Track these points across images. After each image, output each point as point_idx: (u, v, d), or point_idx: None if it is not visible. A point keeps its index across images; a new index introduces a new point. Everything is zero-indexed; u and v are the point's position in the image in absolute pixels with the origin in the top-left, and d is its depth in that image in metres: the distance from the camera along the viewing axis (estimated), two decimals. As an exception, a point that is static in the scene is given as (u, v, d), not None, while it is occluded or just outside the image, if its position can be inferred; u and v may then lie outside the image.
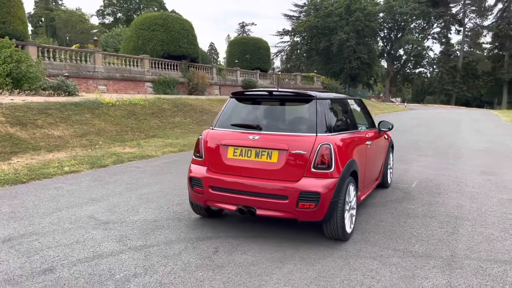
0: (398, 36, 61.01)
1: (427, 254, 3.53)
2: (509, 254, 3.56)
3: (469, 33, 61.81)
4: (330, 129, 3.74)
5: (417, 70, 64.47)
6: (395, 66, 63.80)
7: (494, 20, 58.68)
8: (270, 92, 4.00)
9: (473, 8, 60.21)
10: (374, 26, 55.07)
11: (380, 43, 63.27)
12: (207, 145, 4.01)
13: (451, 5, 60.14)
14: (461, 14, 60.83)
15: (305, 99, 3.87)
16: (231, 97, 4.25)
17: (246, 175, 3.72)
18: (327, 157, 3.51)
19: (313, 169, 3.51)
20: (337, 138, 3.74)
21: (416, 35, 61.89)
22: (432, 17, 59.90)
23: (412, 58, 61.98)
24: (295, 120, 3.94)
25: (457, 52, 61.94)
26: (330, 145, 3.54)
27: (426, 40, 62.58)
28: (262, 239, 3.81)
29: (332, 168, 3.52)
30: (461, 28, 60.94)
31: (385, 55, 63.46)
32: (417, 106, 41.22)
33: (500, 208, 5.01)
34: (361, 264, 3.31)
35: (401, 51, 62.78)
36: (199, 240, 3.79)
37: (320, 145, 3.53)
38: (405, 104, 42.65)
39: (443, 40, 61.46)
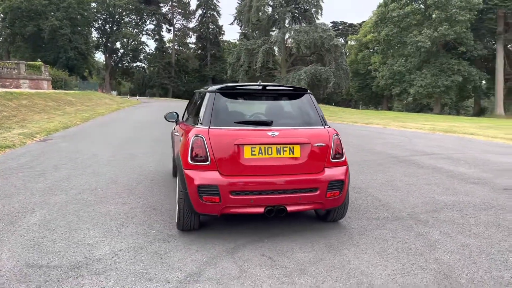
0: (114, 29, 60.71)
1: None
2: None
3: (178, 33, 68.38)
4: (326, 121, 4.06)
5: (135, 64, 66.27)
6: (113, 59, 63.31)
7: (196, 24, 67.14)
8: (264, 87, 3.89)
9: (180, 10, 66.85)
10: (88, 15, 52.82)
11: (96, 34, 61.28)
12: (213, 146, 3.54)
13: (161, 4, 64.70)
14: (170, 15, 66.46)
15: (300, 93, 4.01)
16: (213, 92, 3.84)
17: (269, 173, 3.56)
18: (340, 147, 3.84)
19: (332, 160, 3.77)
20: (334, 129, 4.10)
21: (131, 29, 63.34)
22: (145, 14, 62.74)
23: (130, 52, 63.16)
24: (299, 114, 3.96)
25: (170, 49, 67.46)
26: (339, 136, 3.90)
27: (141, 36, 65.06)
28: (282, 237, 3.76)
29: (344, 157, 3.89)
30: (171, 28, 66.67)
31: (101, 47, 61.94)
32: (147, 100, 43.04)
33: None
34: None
35: (118, 44, 62.81)
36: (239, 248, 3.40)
37: (333, 136, 3.82)
38: (137, 97, 43.48)
39: (157, 37, 65.52)
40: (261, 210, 3.49)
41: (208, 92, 3.87)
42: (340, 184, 3.71)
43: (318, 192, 3.61)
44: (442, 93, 34.80)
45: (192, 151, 3.54)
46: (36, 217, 4.20)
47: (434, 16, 34.79)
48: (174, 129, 5.76)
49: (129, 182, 5.82)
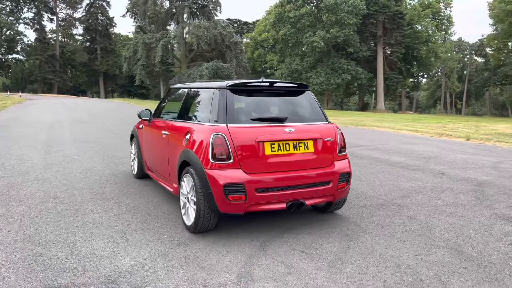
0: (-17, 15, 53.13)
1: None
2: None
3: (62, 23, 62.48)
4: (327, 116, 4.24)
5: (11, 57, 58.77)
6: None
7: (84, 14, 62.12)
8: (271, 83, 3.92)
9: (63, -2, 61.11)
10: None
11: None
12: (236, 144, 3.48)
13: (41, -9, 58.36)
14: (52, 2, 60.38)
15: (302, 90, 4.11)
16: (223, 89, 3.74)
17: (288, 169, 3.63)
18: (343, 141, 4.08)
19: (338, 153, 3.99)
20: None
21: (5, 17, 56.06)
22: (22, 1, 56.12)
23: (4, 43, 55.84)
24: (306, 110, 4.01)
25: (53, 40, 61.32)
26: (341, 130, 4.13)
27: (18, 24, 57.96)
28: (297, 230, 3.86)
29: (346, 150, 4.14)
30: (54, 17, 60.64)
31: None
32: (31, 96, 38.40)
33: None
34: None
35: (-11, 33, 54.99)
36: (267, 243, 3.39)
37: (338, 131, 4.04)
38: (20, 94, 38.49)
39: (37, 26, 58.95)
40: (284, 205, 3.55)
41: (217, 89, 3.78)
42: (347, 176, 3.95)
43: (331, 185, 3.80)
44: (335, 90, 37.87)
45: (212, 150, 3.44)
46: (11, 233, 3.65)
47: (325, 19, 37.53)
48: (141, 127, 5.43)
49: (91, 187, 5.32)
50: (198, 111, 4.09)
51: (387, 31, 39.24)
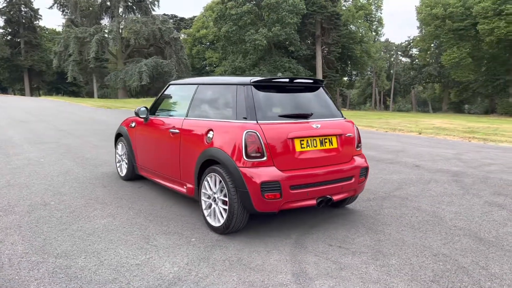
0: None
1: None
2: None
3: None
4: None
5: None
6: None
7: (5, 5, 57.04)
8: (291, 80, 3.89)
9: (-21, -14, 55.60)
10: None
11: None
12: (269, 141, 3.41)
13: (-48, -23, 52.62)
14: (-34, -10, 54.67)
15: (318, 86, 4.12)
16: (247, 85, 3.65)
17: (317, 165, 3.64)
18: (360, 137, 4.18)
19: (357, 149, 4.08)
20: None
21: None
22: None
23: None
24: (324, 106, 3.99)
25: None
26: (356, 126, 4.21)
27: None
28: (321, 226, 3.86)
29: (361, 145, 4.23)
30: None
31: None
32: None
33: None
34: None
35: None
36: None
37: (355, 126, 4.13)
38: None
39: None
40: (314, 202, 3.56)
41: (240, 85, 3.67)
42: (366, 171, 4.05)
43: (353, 180, 3.87)
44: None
45: (246, 147, 3.35)
46: (17, 245, 3.29)
47: (266, 17, 37.99)
48: (133, 126, 5.14)
49: (79, 191, 4.93)
50: (217, 108, 3.95)
51: (325, 31, 40.64)
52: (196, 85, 4.26)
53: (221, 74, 48.55)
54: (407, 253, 3.25)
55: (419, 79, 47.07)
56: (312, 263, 3.03)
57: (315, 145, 3.63)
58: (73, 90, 59.67)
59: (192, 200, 4.57)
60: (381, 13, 46.88)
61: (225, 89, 3.88)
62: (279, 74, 29.26)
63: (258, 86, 3.66)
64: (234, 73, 38.91)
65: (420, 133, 12.31)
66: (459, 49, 32.82)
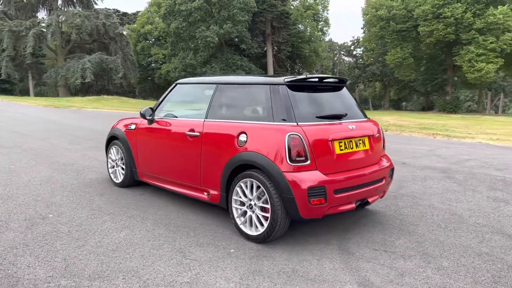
0: None
1: None
2: None
3: None
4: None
5: None
6: None
7: None
8: (320, 79, 3.75)
9: None
10: None
11: None
12: (311, 144, 3.26)
13: None
14: None
15: (342, 85, 3.99)
16: (281, 85, 3.47)
17: (354, 168, 3.54)
18: (384, 137, 4.14)
19: (383, 149, 4.04)
20: None
21: None
22: None
23: None
24: (351, 105, 3.86)
25: None
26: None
27: None
28: (352, 230, 3.78)
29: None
30: None
31: None
32: None
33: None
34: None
35: None
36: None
37: (380, 127, 4.09)
38: None
39: None
40: (354, 205, 3.47)
41: (273, 84, 3.48)
42: (393, 172, 4.03)
43: (383, 181, 3.83)
44: (229, 85, 38.21)
45: (290, 151, 3.18)
46: (37, 269, 2.87)
47: (216, 14, 37.58)
48: (132, 128, 4.76)
49: (75, 201, 4.47)
50: (247, 109, 3.72)
51: (275, 30, 41.01)
52: (215, 85, 4.00)
53: (171, 72, 47.38)
54: (453, 254, 3.25)
55: (363, 77, 48.98)
56: (370, 271, 2.93)
57: (351, 146, 3.53)
58: (5, 87, 55.19)
59: (209, 207, 4.30)
60: (327, 13, 48.16)
61: (255, 89, 3.67)
62: (232, 72, 28.86)
63: (291, 85, 3.49)
64: (185, 70, 38.10)
65: (386, 131, 12.72)
66: (402, 50, 34.54)
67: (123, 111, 21.06)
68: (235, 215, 3.54)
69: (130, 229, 3.66)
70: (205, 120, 3.90)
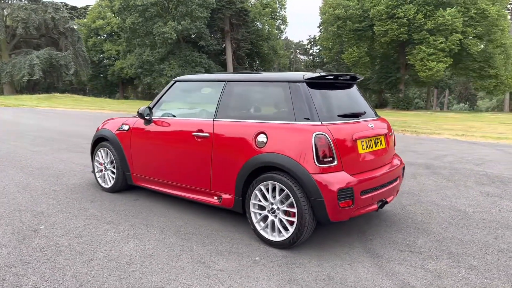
0: None
1: None
2: None
3: None
4: None
5: None
6: None
7: None
8: (336, 76, 3.63)
9: None
10: None
11: None
12: (338, 144, 3.14)
13: None
14: None
15: (353, 82, 3.89)
16: (301, 82, 3.31)
17: (374, 167, 3.46)
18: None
19: (394, 147, 4.00)
20: None
21: None
22: None
23: None
24: (363, 103, 3.79)
25: None
26: None
27: None
28: (372, 231, 3.69)
29: None
30: None
31: None
32: None
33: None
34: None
35: None
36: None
37: (390, 125, 4.03)
38: None
39: None
40: (376, 206, 3.39)
41: (292, 82, 3.32)
42: (403, 170, 4.00)
43: (398, 181, 3.79)
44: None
45: (317, 151, 3.04)
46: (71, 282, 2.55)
47: (173, 10, 36.73)
48: (125, 129, 4.43)
49: (66, 210, 4.09)
50: (263, 108, 3.53)
51: (234, 27, 40.76)
52: (223, 82, 3.77)
53: (123, 68, 45.79)
54: (476, 252, 3.26)
55: (320, 75, 49.80)
56: (406, 274, 2.85)
57: (371, 146, 3.45)
58: None
59: (213, 211, 4.07)
60: (285, 12, 48.55)
61: (272, 87, 3.49)
62: (191, 69, 28.31)
63: (310, 83, 3.34)
64: (142, 67, 36.99)
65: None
66: (359, 48, 35.47)
67: (80, 110, 20.07)
68: (254, 220, 3.35)
69: (138, 239, 3.37)
70: (215, 119, 3.66)
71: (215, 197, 3.68)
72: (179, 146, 3.87)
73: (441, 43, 31.46)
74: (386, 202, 3.53)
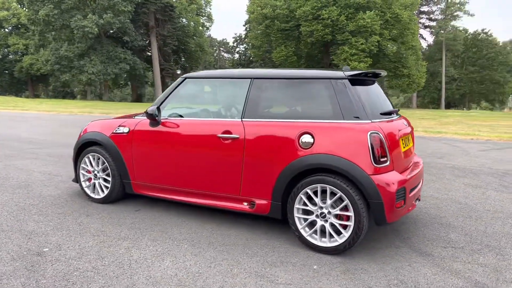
0: None
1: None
2: None
3: None
4: None
5: None
6: None
7: None
8: (375, 74, 3.45)
9: None
10: None
11: None
12: (389, 143, 3.05)
13: None
14: None
15: (376, 79, 3.81)
16: (344, 79, 3.16)
17: (409, 166, 3.47)
18: None
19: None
20: None
21: None
22: None
23: None
24: (387, 100, 3.70)
25: None
26: None
27: None
28: (394, 231, 3.67)
29: None
30: None
31: None
32: None
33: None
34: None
35: None
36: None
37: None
38: None
39: None
40: (415, 205, 3.39)
41: (336, 79, 3.16)
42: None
43: (423, 178, 3.83)
44: (113, 80, 35.36)
45: (373, 151, 2.93)
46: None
47: (92, 3, 34.43)
48: (125, 132, 3.95)
49: (64, 227, 3.51)
50: (304, 106, 3.31)
51: (159, 22, 39.36)
52: (249, 79, 3.48)
53: (33, 64, 41.99)
54: (507, 243, 3.39)
55: (247, 74, 50.15)
56: (467, 271, 2.86)
57: (407, 143, 3.44)
58: None
59: (234, 217, 3.78)
60: (210, 9, 48.03)
61: (311, 84, 3.29)
62: (114, 66, 26.67)
63: (351, 80, 3.21)
64: (59, 63, 34.06)
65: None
66: (286, 48, 36.34)
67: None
68: (299, 226, 3.14)
69: (172, 256, 2.98)
70: (243, 119, 3.37)
71: (245, 203, 3.40)
72: (200, 150, 3.51)
73: (362, 44, 33.41)
74: (419, 200, 3.54)
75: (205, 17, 48.13)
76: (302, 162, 3.06)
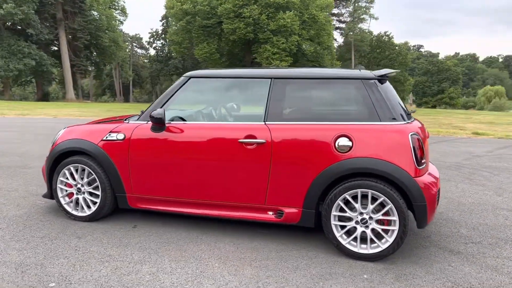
0: None
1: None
2: None
3: None
4: None
5: None
6: None
7: None
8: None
9: None
10: None
11: None
12: (424, 144, 3.04)
13: None
14: None
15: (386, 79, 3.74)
16: (374, 79, 3.06)
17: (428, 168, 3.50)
18: None
19: None
20: None
21: None
22: None
23: None
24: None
25: None
26: None
27: None
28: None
29: None
30: None
31: None
32: None
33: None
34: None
35: None
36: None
37: None
38: None
39: None
40: (438, 205, 3.44)
41: (367, 79, 3.05)
42: None
43: None
44: (16, 77, 31.72)
45: (415, 153, 2.90)
46: None
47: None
48: (121, 139, 3.46)
49: (53, 254, 2.94)
50: (335, 108, 3.14)
51: (69, 15, 36.32)
52: (269, 79, 3.22)
53: None
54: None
55: (165, 71, 48.71)
56: (503, 266, 2.93)
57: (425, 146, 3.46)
58: None
59: (252, 227, 3.50)
60: (124, 2, 45.55)
61: (340, 84, 3.13)
62: (18, 61, 24.08)
63: (380, 80, 3.13)
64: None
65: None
66: (209, 45, 35.88)
67: None
68: (337, 234, 2.98)
69: (208, 278, 2.64)
70: (267, 123, 3.12)
71: (270, 213, 3.15)
72: (216, 156, 3.17)
73: (283, 43, 34.27)
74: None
75: (118, 11, 45.54)
76: (341, 166, 2.91)
